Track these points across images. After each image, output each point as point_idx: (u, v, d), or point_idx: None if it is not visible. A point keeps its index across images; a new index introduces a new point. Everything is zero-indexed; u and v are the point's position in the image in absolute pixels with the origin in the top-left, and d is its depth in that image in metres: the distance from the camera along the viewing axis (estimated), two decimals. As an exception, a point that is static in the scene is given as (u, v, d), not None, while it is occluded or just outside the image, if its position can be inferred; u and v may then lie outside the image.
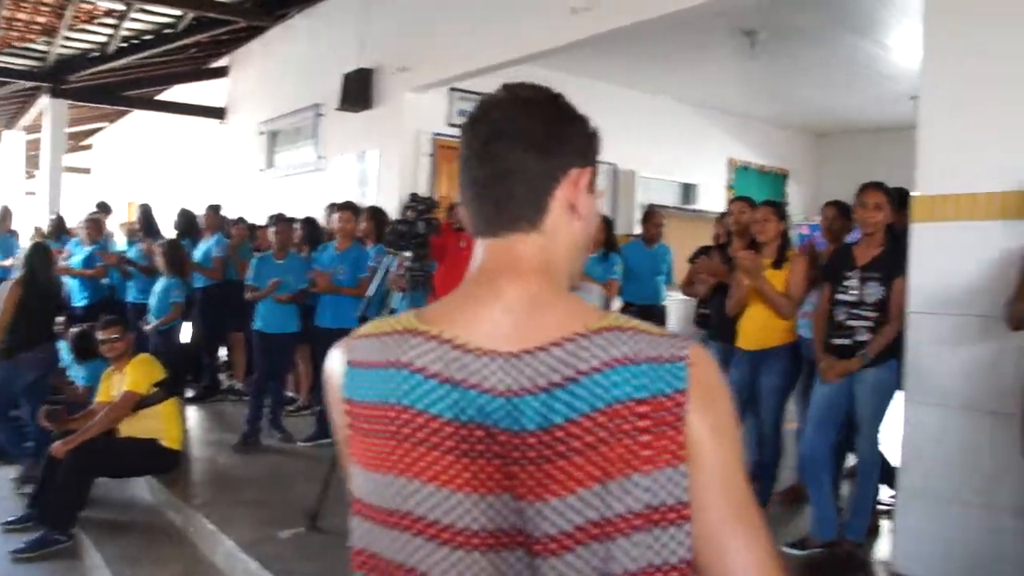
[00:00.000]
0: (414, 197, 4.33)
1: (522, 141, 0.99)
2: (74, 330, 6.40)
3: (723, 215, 5.95)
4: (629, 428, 0.86)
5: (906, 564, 3.78)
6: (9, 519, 4.74)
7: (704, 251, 5.76)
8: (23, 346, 5.49)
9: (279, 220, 6.51)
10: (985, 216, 3.58)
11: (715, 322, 5.08)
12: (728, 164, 10.26)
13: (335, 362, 1.02)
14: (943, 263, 3.72)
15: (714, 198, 9.51)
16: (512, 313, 0.94)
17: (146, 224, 8.28)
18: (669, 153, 9.37)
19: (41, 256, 5.88)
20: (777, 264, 4.44)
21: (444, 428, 0.89)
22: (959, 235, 3.67)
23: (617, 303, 6.47)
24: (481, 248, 1.02)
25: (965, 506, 3.59)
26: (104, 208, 9.38)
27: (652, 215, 6.66)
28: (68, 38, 9.55)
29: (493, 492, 0.88)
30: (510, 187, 0.99)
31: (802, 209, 10.12)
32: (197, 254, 7.59)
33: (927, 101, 3.83)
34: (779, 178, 10.90)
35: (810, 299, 4.38)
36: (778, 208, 4.60)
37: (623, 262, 6.35)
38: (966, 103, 3.68)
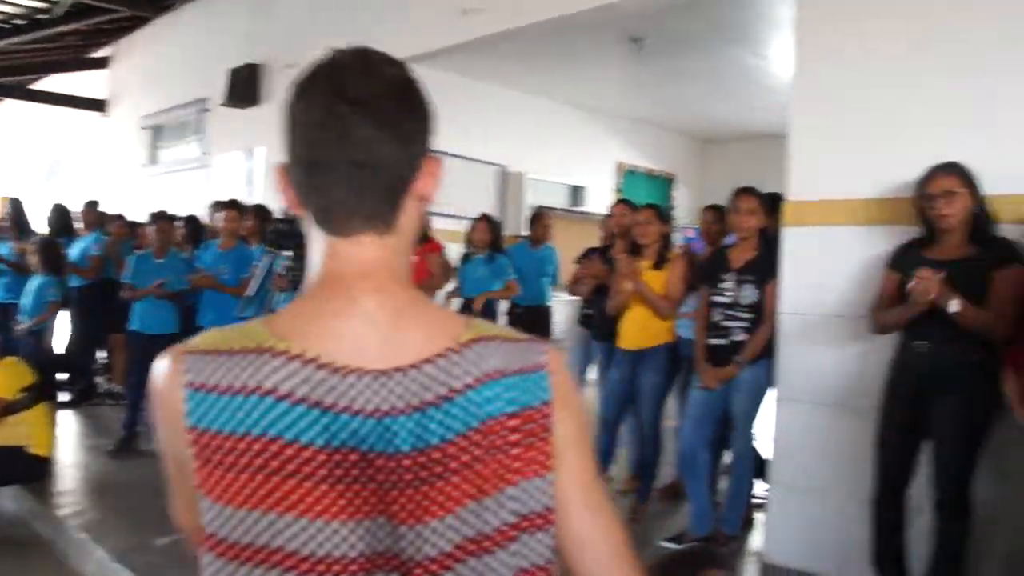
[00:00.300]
0: None
1: (386, 125, 0.89)
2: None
3: (607, 217, 6.08)
4: (501, 443, 0.87)
5: (777, 554, 3.95)
6: None
7: (590, 253, 5.87)
8: None
9: (160, 218, 6.31)
10: (850, 221, 3.77)
11: (597, 322, 5.19)
12: (616, 167, 10.45)
13: (169, 382, 0.87)
14: (811, 266, 3.89)
15: (602, 200, 9.69)
16: (376, 326, 0.88)
17: (16, 221, 7.89)
18: (558, 155, 9.48)
19: None
20: (658, 266, 4.56)
21: (316, 457, 0.82)
22: (826, 239, 3.85)
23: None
24: (327, 247, 0.92)
25: (831, 497, 3.78)
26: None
27: (540, 217, 6.73)
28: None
29: (369, 516, 0.84)
30: (370, 180, 0.89)
31: (689, 213, 10.42)
32: (74, 252, 7.29)
33: (797, 111, 4.01)
34: (666, 182, 11.17)
35: (689, 301, 4.52)
36: (659, 211, 4.72)
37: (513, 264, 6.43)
38: (833, 113, 3.87)
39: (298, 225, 4.15)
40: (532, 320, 6.27)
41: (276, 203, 6.57)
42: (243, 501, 0.82)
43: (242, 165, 8.02)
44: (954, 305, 2.98)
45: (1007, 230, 3.23)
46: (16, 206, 7.99)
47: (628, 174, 10.56)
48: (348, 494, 0.83)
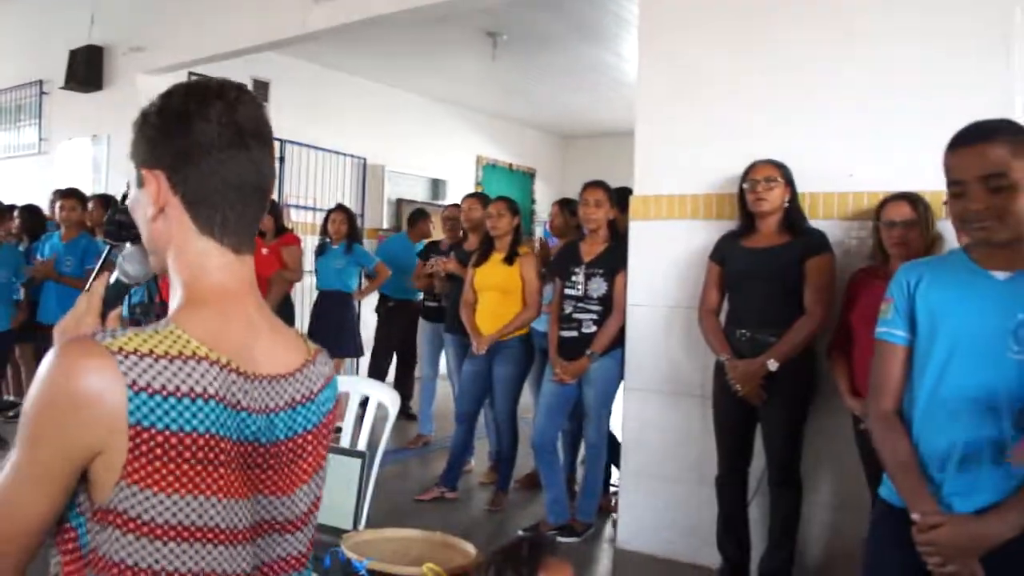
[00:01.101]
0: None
1: (271, 159, 1.13)
2: None
3: (449, 207, 6.24)
4: (327, 431, 1.18)
5: (630, 540, 4.08)
6: None
7: (432, 246, 6.07)
8: None
9: (-11, 209, 5.96)
10: (687, 216, 3.96)
11: (450, 315, 5.24)
12: (477, 161, 10.53)
13: (105, 381, 0.94)
14: (654, 259, 4.06)
15: (463, 193, 9.74)
16: (262, 338, 1.09)
17: None
18: (418, 148, 9.46)
19: None
20: (510, 260, 4.65)
21: (231, 448, 1.01)
22: (667, 233, 4.03)
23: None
24: (218, 261, 1.08)
25: (680, 483, 3.94)
26: None
27: (425, 215, 6.94)
28: None
29: (255, 493, 1.06)
30: (263, 205, 1.13)
31: (548, 208, 10.60)
32: None
33: (641, 109, 4.17)
34: (527, 177, 11.34)
35: (546, 293, 4.63)
36: (510, 204, 4.79)
37: (387, 255, 6.49)
38: (671, 112, 4.05)
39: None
40: (404, 314, 6.30)
41: (121, 192, 6.30)
42: (177, 488, 0.97)
43: (88, 152, 7.64)
44: (773, 365, 3.28)
45: (820, 225, 3.51)
46: None
47: (488, 168, 10.65)
48: (244, 477, 1.04)
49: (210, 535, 1.00)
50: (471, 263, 4.83)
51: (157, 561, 0.97)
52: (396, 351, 6.77)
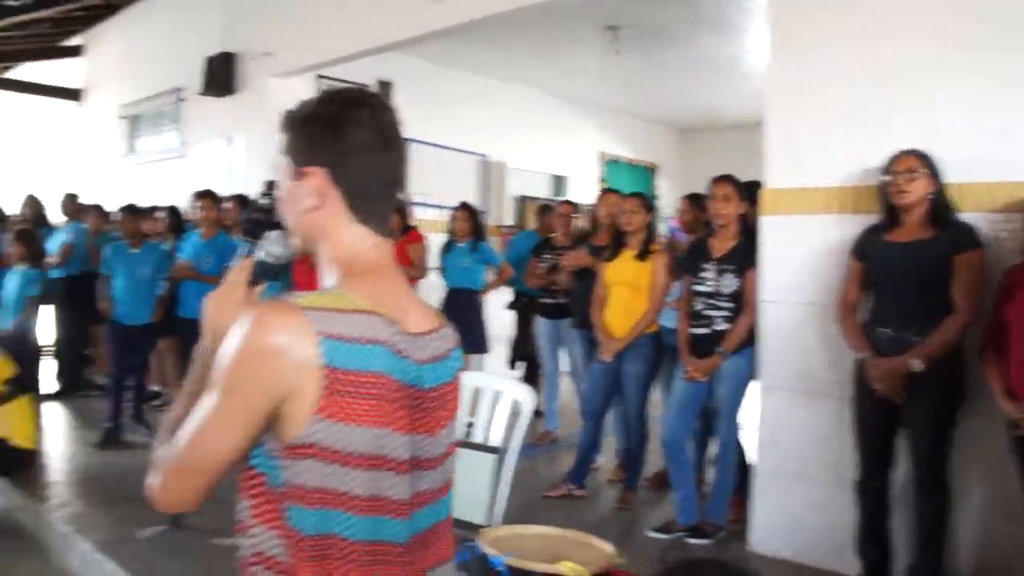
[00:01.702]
0: (271, 184, 4.27)
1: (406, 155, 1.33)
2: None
3: (562, 204, 6.26)
4: (458, 385, 1.38)
5: (763, 543, 3.98)
6: None
7: (545, 243, 6.07)
8: None
9: (126, 210, 6.28)
10: (824, 209, 3.82)
11: (579, 311, 5.23)
12: (599, 157, 10.48)
13: (298, 330, 1.12)
14: (788, 254, 3.93)
15: (585, 190, 9.70)
16: (408, 302, 1.29)
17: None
18: (540, 145, 9.49)
19: None
20: (642, 256, 4.60)
21: (400, 388, 1.20)
22: (800, 227, 3.89)
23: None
24: (370, 242, 1.27)
25: (817, 485, 3.81)
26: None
27: (551, 209, 6.90)
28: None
29: (411, 431, 1.23)
30: (398, 198, 1.34)
31: (671, 202, 10.45)
32: (52, 244, 7.24)
33: (772, 99, 4.05)
34: (648, 172, 11.22)
35: (673, 290, 4.56)
36: (645, 200, 4.75)
37: (515, 252, 6.50)
38: (806, 102, 3.91)
39: (274, 214, 4.12)
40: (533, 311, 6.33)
41: (255, 191, 6.55)
42: (363, 420, 1.16)
43: (222, 154, 7.97)
44: (916, 365, 3.12)
45: (968, 218, 3.31)
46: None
47: (611, 164, 10.58)
48: (407, 416, 1.22)
49: (385, 463, 1.19)
50: (602, 258, 4.80)
51: (346, 484, 1.16)
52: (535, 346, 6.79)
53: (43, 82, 10.91)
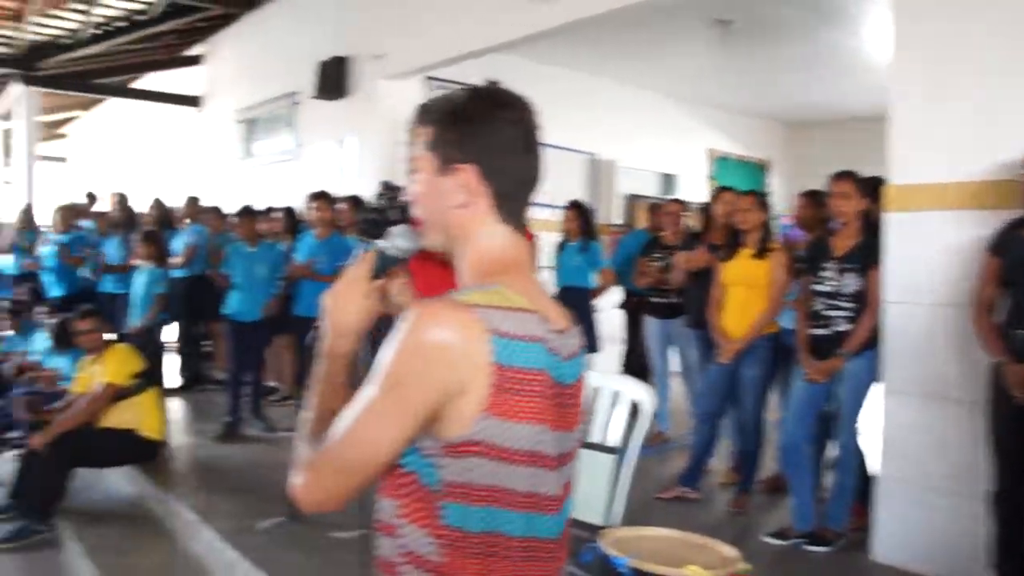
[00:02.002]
0: (386, 185, 4.33)
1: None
2: (52, 320, 6.36)
3: (670, 202, 6.18)
4: (585, 387, 1.35)
5: (884, 552, 3.83)
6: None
7: (654, 242, 5.97)
8: None
9: (243, 213, 6.50)
10: (954, 205, 3.64)
11: (693, 310, 5.14)
12: (708, 154, 10.30)
13: (470, 328, 1.13)
14: (915, 252, 3.77)
15: (694, 188, 9.55)
16: (549, 301, 1.28)
17: (125, 215, 8.19)
18: (648, 143, 9.39)
19: None
20: (759, 255, 4.50)
21: (553, 386, 1.20)
22: (929, 224, 3.73)
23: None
24: (510, 241, 1.27)
25: (945, 494, 3.64)
26: (92, 197, 9.32)
27: (660, 207, 6.80)
28: (39, 24, 9.41)
29: (558, 427, 1.22)
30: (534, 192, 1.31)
31: (782, 200, 10.19)
32: (175, 245, 7.56)
33: (897, 91, 3.88)
34: (758, 168, 10.96)
35: (792, 289, 4.43)
36: (761, 198, 4.65)
37: (625, 251, 6.44)
38: (933, 95, 3.74)
39: (388, 214, 4.22)
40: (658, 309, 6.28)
41: (367, 192, 6.68)
42: (528, 418, 1.16)
43: (334, 155, 8.17)
44: None
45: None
46: (123, 201, 8.31)
47: (720, 161, 10.39)
48: (556, 412, 1.22)
49: (543, 460, 1.20)
50: (718, 258, 4.71)
51: (510, 480, 1.16)
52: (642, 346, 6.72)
53: (166, 90, 11.41)
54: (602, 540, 2.04)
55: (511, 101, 1.27)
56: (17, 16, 9.13)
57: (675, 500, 4.63)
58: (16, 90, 10.65)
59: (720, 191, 5.41)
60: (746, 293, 4.50)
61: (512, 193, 1.27)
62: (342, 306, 1.34)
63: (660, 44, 7.76)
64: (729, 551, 2.08)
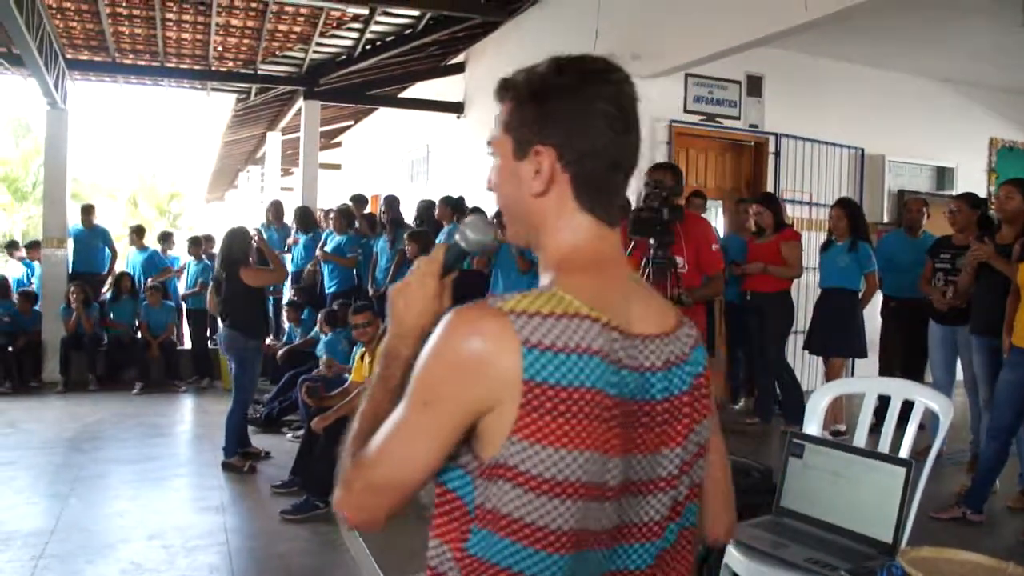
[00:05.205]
0: (657, 184, 4.28)
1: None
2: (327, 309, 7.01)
3: (955, 199, 5.63)
4: (700, 394, 1.16)
5: None
6: (276, 484, 5.21)
7: (942, 243, 5.50)
8: None
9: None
10: None
11: (977, 315, 4.71)
12: (989, 144, 9.39)
13: (500, 340, 1.00)
14: None
15: (974, 182, 8.74)
16: (636, 301, 1.12)
17: (392, 217, 8.71)
18: (921, 135, 8.70)
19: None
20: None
21: (614, 405, 1.02)
22: None
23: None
24: (595, 233, 1.12)
25: None
26: (359, 200, 10.04)
27: (909, 202, 6.35)
28: (320, 44, 10.25)
29: (626, 452, 1.05)
30: (626, 184, 1.15)
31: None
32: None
33: None
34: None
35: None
36: None
37: (884, 254, 6.12)
38: None
39: (661, 213, 4.17)
40: (907, 315, 5.84)
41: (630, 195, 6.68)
42: (565, 443, 0.99)
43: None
44: None
45: None
46: (392, 203, 8.85)
47: (1003, 151, 9.44)
48: (621, 435, 1.04)
49: (585, 490, 1.01)
50: (1014, 258, 4.27)
51: (540, 514, 1.00)
52: (902, 354, 6.27)
53: (429, 98, 12.05)
54: (902, 558, 1.88)
55: (601, 71, 1.10)
56: (305, 39, 10.00)
57: (954, 521, 4.26)
58: (299, 104, 11.67)
59: (1002, 184, 4.91)
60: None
61: (599, 179, 1.11)
62: (408, 304, 1.20)
63: (941, 26, 7.16)
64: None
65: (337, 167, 17.70)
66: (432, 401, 1.03)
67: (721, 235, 6.79)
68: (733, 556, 2.45)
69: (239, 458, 5.66)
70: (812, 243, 6.53)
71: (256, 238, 6.14)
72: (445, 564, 1.08)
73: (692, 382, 1.14)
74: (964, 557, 1.96)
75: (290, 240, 9.49)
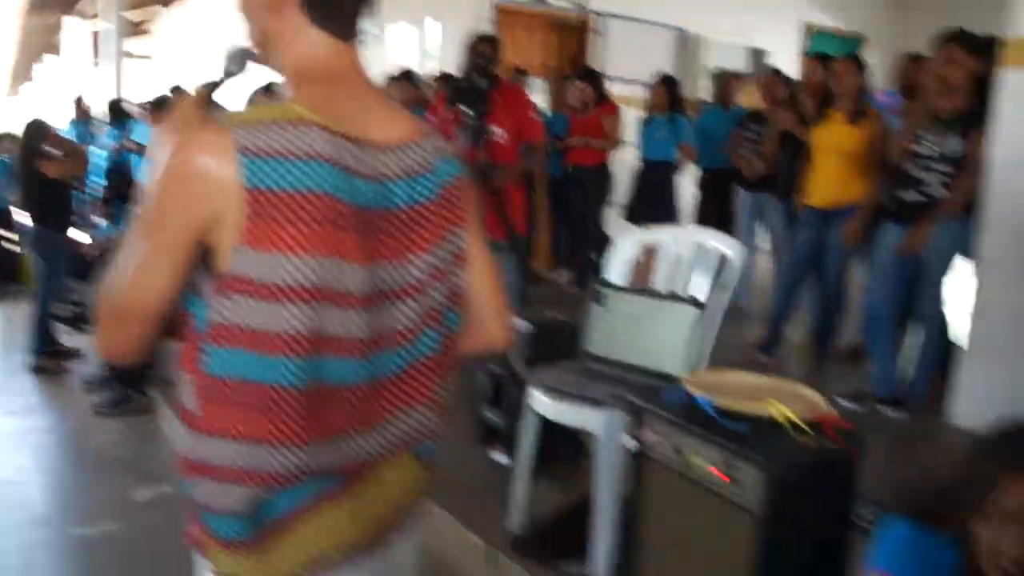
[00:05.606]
0: (478, 56, 4.26)
1: None
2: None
3: (766, 75, 5.92)
4: (450, 205, 1.20)
5: (964, 416, 3.78)
6: (88, 379, 4.96)
7: (751, 117, 5.74)
8: None
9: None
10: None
11: (781, 179, 4.99)
12: (804, 29, 9.76)
13: (216, 151, 1.00)
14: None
15: (787, 64, 9.08)
16: (372, 112, 1.13)
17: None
18: (738, 17, 8.90)
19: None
20: (854, 120, 4.31)
21: (348, 211, 1.04)
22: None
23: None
24: (329, 47, 1.13)
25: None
26: (179, 92, 9.41)
27: (723, 78, 6.59)
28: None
29: (370, 262, 1.08)
30: (362, 3, 1.16)
31: (881, 74, 9.64)
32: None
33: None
34: (856, 44, 10.34)
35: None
36: (858, 62, 4.44)
37: (701, 130, 6.27)
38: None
39: (478, 82, 4.15)
40: (721, 184, 6.07)
41: (456, 68, 6.54)
42: (296, 249, 1.00)
43: (415, 38, 8.04)
44: None
45: None
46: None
47: (816, 36, 9.84)
48: (362, 243, 1.06)
49: (320, 295, 1.03)
50: (810, 123, 4.55)
51: (267, 319, 1.01)
52: (714, 223, 6.55)
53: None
54: (687, 382, 1.99)
55: None
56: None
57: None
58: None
59: (809, 59, 5.19)
60: (837, 160, 4.34)
61: None
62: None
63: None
64: (815, 396, 2.02)
65: (148, 58, 16.55)
66: (160, 220, 1.03)
67: (548, 113, 6.82)
68: (537, 398, 2.52)
69: (47, 358, 5.35)
70: (632, 120, 6.63)
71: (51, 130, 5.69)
72: (186, 394, 1.09)
73: (440, 192, 1.17)
74: (745, 378, 2.09)
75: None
